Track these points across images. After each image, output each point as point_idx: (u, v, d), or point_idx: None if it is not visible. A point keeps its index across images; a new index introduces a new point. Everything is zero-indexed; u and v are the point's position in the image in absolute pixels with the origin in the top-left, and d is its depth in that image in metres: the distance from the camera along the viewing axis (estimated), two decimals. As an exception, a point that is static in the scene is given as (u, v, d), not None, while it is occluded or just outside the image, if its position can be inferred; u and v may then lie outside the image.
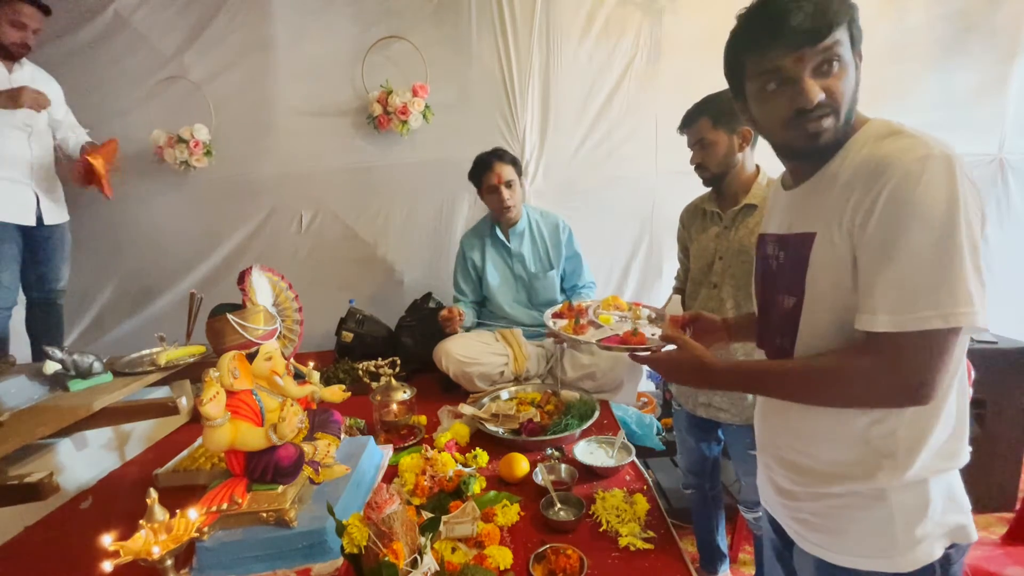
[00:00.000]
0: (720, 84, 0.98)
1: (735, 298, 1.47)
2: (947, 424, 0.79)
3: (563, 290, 2.28)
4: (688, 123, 1.49)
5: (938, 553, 0.79)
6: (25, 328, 2.28)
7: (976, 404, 2.20)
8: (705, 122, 1.43)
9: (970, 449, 0.83)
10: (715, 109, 1.42)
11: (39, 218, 2.16)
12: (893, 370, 0.73)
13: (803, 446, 0.87)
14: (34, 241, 2.18)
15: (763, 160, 1.40)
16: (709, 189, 1.56)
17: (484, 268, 2.19)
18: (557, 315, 1.44)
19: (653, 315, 1.36)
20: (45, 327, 2.29)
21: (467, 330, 2.15)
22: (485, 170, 2.06)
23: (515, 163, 2.10)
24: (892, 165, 0.72)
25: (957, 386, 0.79)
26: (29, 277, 2.21)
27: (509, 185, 2.06)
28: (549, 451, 1.54)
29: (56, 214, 2.23)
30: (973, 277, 0.70)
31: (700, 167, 1.49)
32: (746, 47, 0.82)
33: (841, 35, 0.75)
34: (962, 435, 0.81)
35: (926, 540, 0.79)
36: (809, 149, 0.81)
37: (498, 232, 2.18)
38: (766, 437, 0.96)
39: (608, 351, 1.16)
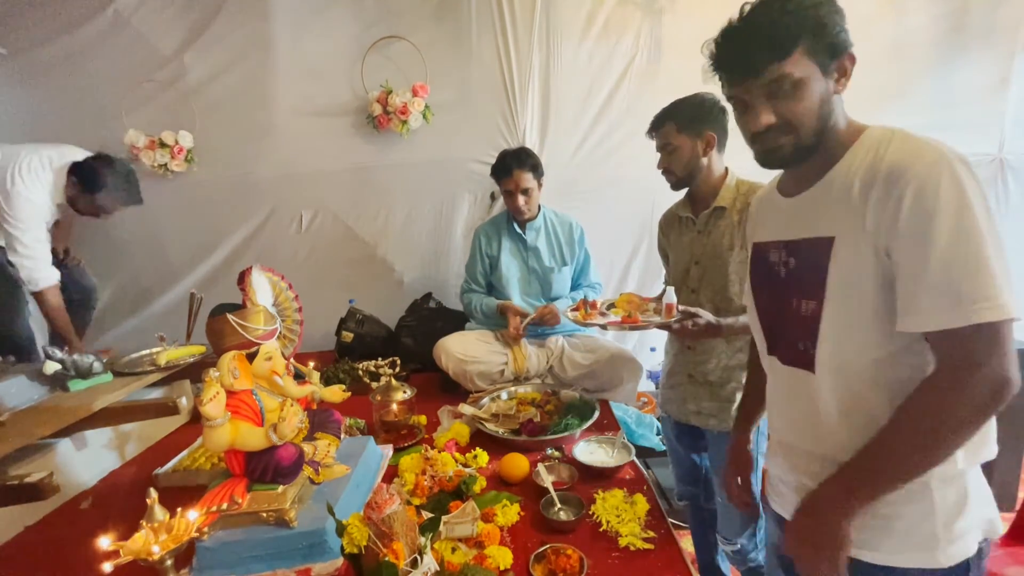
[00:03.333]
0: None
1: (714, 302, 1.46)
2: None
3: (572, 288, 2.28)
4: (655, 127, 1.51)
5: (973, 548, 0.80)
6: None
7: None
8: (670, 127, 1.46)
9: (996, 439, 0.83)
10: (680, 115, 1.45)
11: None
12: (970, 369, 0.72)
13: (847, 443, 0.83)
14: None
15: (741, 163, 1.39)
16: (684, 195, 1.57)
17: (499, 259, 2.20)
18: (574, 309, 1.63)
19: (656, 306, 1.50)
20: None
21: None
22: (504, 174, 2.07)
23: (536, 168, 2.09)
24: (910, 169, 0.74)
25: None
26: None
27: (526, 192, 2.07)
28: (549, 451, 1.54)
29: None
30: (1002, 269, 0.71)
31: (666, 171, 1.51)
32: (716, 75, 0.88)
33: (792, 61, 0.78)
34: (991, 423, 0.81)
35: (964, 535, 0.80)
36: (770, 164, 0.88)
37: (515, 226, 2.20)
38: (794, 435, 0.93)
39: (614, 329, 1.50)
